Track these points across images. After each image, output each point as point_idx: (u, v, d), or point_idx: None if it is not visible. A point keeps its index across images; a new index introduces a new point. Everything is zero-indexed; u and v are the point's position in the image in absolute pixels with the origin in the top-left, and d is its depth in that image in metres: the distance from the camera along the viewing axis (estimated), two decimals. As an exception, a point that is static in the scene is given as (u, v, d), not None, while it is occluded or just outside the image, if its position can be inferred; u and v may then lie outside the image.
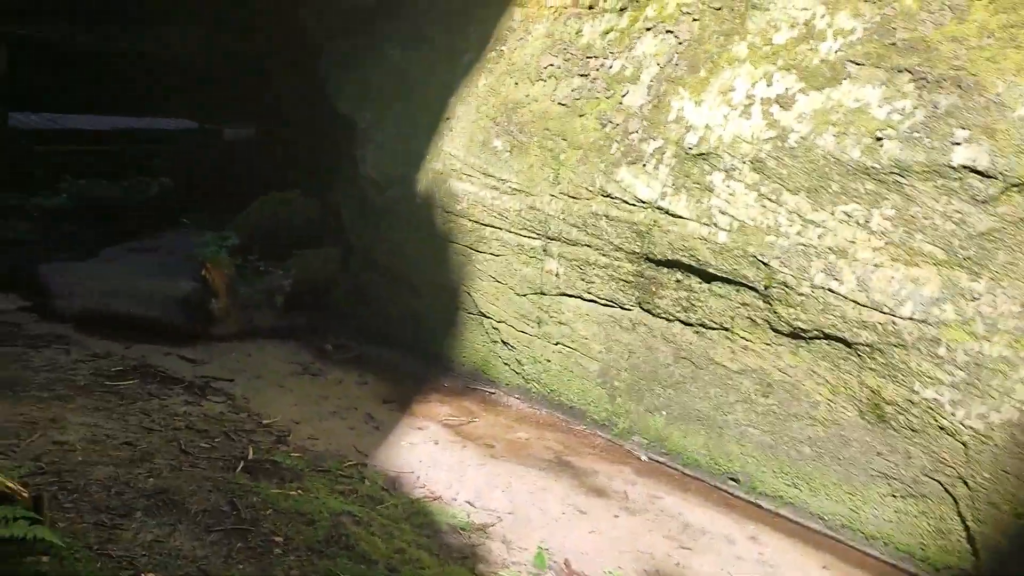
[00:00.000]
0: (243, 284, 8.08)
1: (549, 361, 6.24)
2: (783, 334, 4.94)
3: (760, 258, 4.99)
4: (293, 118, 10.87)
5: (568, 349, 6.12)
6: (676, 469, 5.43)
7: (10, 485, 3.25)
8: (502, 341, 6.56)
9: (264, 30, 10.89)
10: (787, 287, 4.86)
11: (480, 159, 6.72)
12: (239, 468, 4.58)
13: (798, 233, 4.88)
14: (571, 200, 6.04)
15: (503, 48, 7.04)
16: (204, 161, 12.46)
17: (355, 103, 8.05)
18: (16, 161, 10.54)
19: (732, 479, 5.19)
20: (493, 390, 6.60)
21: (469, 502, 4.78)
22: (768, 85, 5.28)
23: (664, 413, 5.56)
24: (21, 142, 10.55)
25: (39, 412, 5.01)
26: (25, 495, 3.31)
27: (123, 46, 12.82)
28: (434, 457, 5.33)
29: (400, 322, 7.41)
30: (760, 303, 5.02)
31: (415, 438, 5.64)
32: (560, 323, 6.16)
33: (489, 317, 6.65)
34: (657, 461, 5.53)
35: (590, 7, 6.59)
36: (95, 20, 13.24)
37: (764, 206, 5.05)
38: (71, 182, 11.19)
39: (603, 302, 5.90)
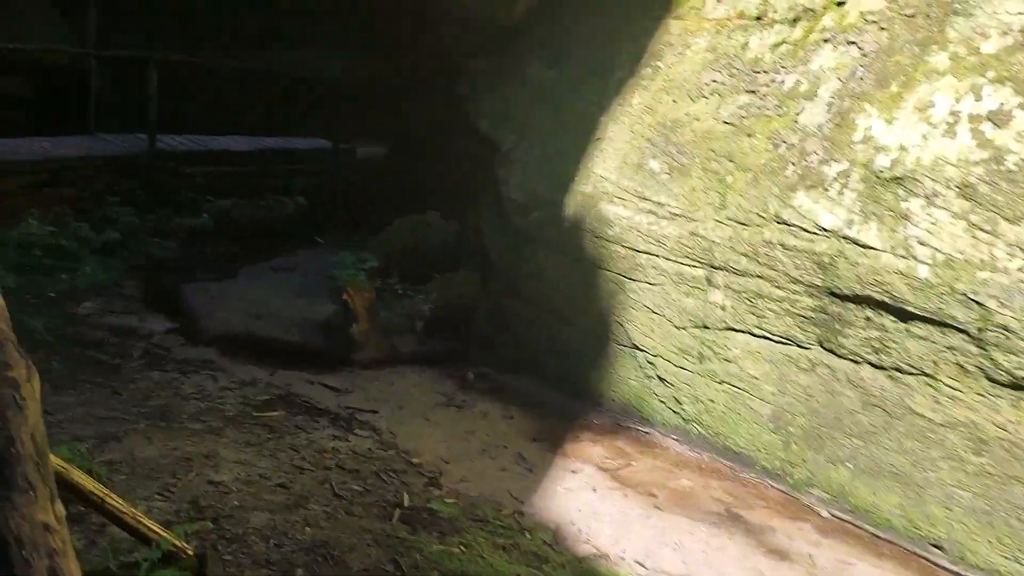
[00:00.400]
0: (383, 308, 7.93)
1: (712, 401, 5.76)
2: (1002, 384, 4.32)
3: (972, 296, 4.39)
4: (427, 137, 10.75)
5: (735, 389, 5.63)
6: (864, 529, 4.86)
7: (176, 543, 3.06)
8: (658, 377, 6.12)
9: (402, 50, 10.84)
10: (1008, 331, 4.25)
11: (635, 181, 6.32)
12: (396, 517, 4.33)
13: (1020, 269, 4.27)
14: (740, 227, 5.56)
15: (659, 64, 6.63)
16: (338, 180, 12.53)
17: (497, 123, 7.79)
18: (163, 182, 10.81)
19: (935, 546, 4.58)
20: (647, 429, 6.17)
21: (639, 562, 4.36)
22: (977, 100, 4.68)
23: (849, 465, 5.00)
24: (168, 164, 10.82)
25: (192, 446, 4.90)
26: (190, 552, 3.11)
27: (264, 68, 13.07)
28: (594, 507, 4.94)
29: (544, 351, 7.07)
30: (972, 348, 4.42)
31: (571, 483, 5.26)
32: (725, 360, 5.67)
33: (643, 350, 6.22)
34: (841, 519, 4.98)
35: (758, 18, 6.10)
36: (239, 44, 13.58)
37: (976, 237, 4.45)
38: (213, 202, 11.40)
39: (777, 339, 5.39)
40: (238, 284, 9.49)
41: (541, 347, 7.12)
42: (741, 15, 6.23)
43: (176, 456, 4.69)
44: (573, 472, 5.44)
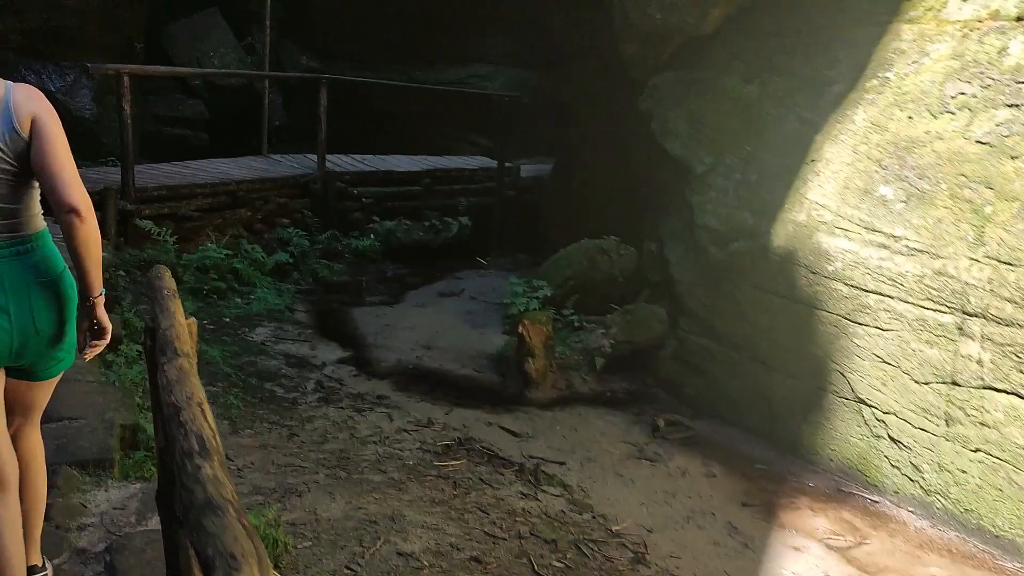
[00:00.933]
0: (558, 342, 7.41)
1: (964, 472, 4.88)
2: None
3: None
4: (598, 156, 10.18)
5: (994, 459, 4.73)
6: None
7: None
8: (890, 437, 5.28)
9: (572, 65, 10.34)
10: None
11: (860, 210, 5.51)
12: (608, 608, 3.74)
13: None
14: (1003, 267, 4.67)
15: (888, 74, 5.79)
16: (502, 200, 12.18)
17: (687, 143, 7.12)
18: (331, 203, 10.76)
19: None
20: (876, 497, 5.33)
21: None
22: None
23: None
24: (336, 185, 10.76)
25: (376, 505, 4.50)
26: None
27: (430, 85, 12.90)
28: (832, 599, 4.19)
29: (743, 399, 6.33)
30: None
31: (796, 565, 4.53)
32: (982, 424, 4.78)
33: (871, 405, 5.39)
34: None
35: (1018, 19, 5.17)
36: (405, 62, 13.49)
37: None
38: (379, 223, 11.26)
39: (1055, 405, 4.47)
40: (406, 309, 9.24)
41: (741, 394, 6.38)
42: (995, 15, 5.31)
43: (360, 517, 4.29)
44: (796, 550, 4.70)
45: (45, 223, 2.46)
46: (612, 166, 9.59)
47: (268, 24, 11.38)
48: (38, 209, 2.43)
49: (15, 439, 2.52)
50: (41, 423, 2.66)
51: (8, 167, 2.30)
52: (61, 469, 3.61)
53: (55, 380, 2.59)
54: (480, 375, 7.37)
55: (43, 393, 2.58)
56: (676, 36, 7.58)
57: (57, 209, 2.29)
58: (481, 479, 5.19)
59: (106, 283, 6.01)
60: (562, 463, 5.64)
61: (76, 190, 2.29)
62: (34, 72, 10.86)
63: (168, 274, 2.92)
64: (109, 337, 2.52)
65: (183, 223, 8.85)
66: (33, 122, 2.30)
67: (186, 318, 2.63)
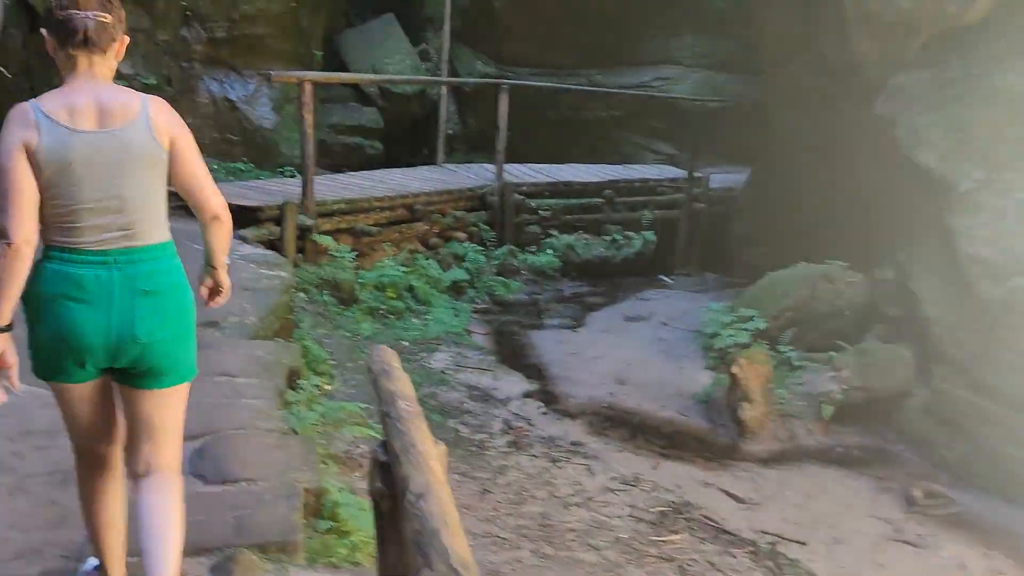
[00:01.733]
0: (776, 383, 6.40)
1: None
2: None
3: None
4: (806, 166, 9.03)
5: None
6: None
7: None
8: None
9: (777, 63, 9.23)
10: None
11: None
12: None
13: None
14: None
15: None
16: (690, 213, 11.19)
17: (947, 154, 5.95)
18: (508, 216, 10.13)
19: None
20: None
21: None
22: None
23: None
24: (514, 197, 10.13)
25: (595, 599, 3.69)
26: None
27: (613, 89, 12.09)
28: None
29: (1026, 470, 5.12)
30: None
31: None
32: None
33: None
34: None
35: None
36: (585, 64, 12.74)
37: None
38: (557, 238, 10.55)
39: None
40: (590, 335, 8.44)
41: (1020, 462, 5.17)
42: None
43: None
44: None
45: (168, 234, 2.47)
46: (825, 178, 8.44)
47: (446, 29, 10.90)
48: (159, 220, 2.44)
49: (145, 476, 2.52)
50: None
51: (141, 177, 2.36)
52: (237, 554, 3.00)
53: (174, 395, 2.57)
54: (685, 420, 6.46)
55: (163, 411, 2.55)
56: (927, 27, 6.41)
57: (201, 214, 2.51)
58: (710, 562, 4.31)
59: (284, 305, 5.53)
60: (803, 543, 4.67)
61: (217, 198, 2.49)
62: (217, 81, 10.84)
63: (397, 364, 2.23)
64: (228, 293, 2.79)
65: (360, 238, 8.42)
66: (174, 138, 2.38)
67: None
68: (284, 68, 10.94)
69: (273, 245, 7.37)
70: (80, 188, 2.28)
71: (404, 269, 8.37)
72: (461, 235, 9.79)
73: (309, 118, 7.46)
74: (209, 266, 2.70)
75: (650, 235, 10.97)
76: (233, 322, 5.65)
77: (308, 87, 7.39)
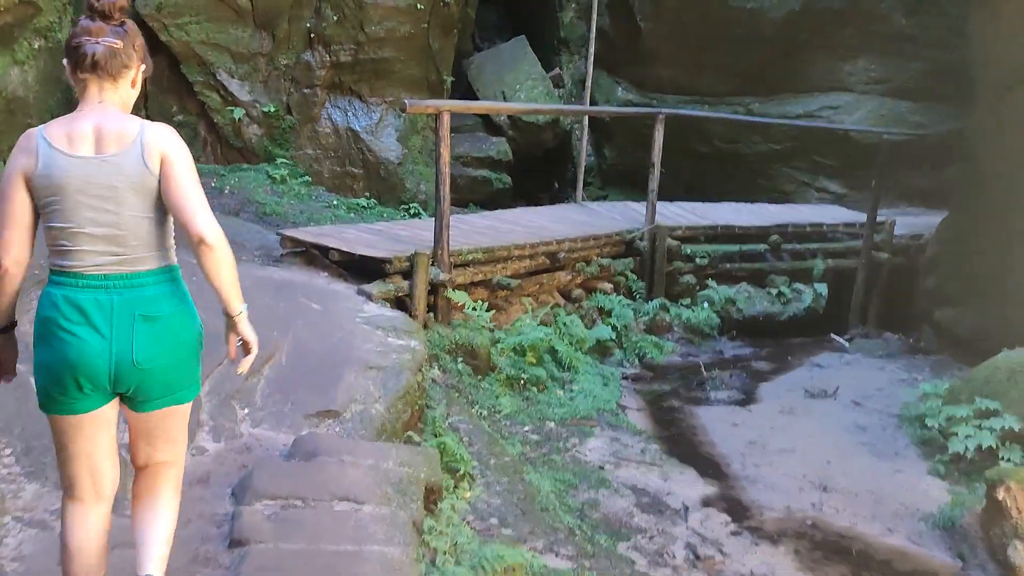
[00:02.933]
0: (1047, 511, 4.82)
1: None
2: None
3: None
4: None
5: None
6: None
7: None
8: None
9: (999, 91, 7.63)
10: None
11: None
12: None
13: None
14: None
15: None
16: (870, 263, 9.58)
17: None
18: (660, 264, 8.81)
19: None
20: None
21: None
22: None
23: None
24: (668, 241, 8.81)
25: None
26: None
27: (775, 120, 10.64)
28: None
29: None
30: None
31: None
32: None
33: None
34: None
35: None
36: (743, 92, 11.34)
37: None
38: (715, 290, 9.15)
39: None
40: (768, 415, 7.00)
41: None
42: None
43: None
44: None
45: (169, 260, 2.49)
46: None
47: (590, 53, 9.72)
48: (160, 246, 2.46)
49: (144, 467, 2.64)
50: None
51: (134, 203, 2.38)
52: None
53: (170, 414, 2.59)
54: (923, 553, 4.96)
55: (156, 427, 2.59)
56: None
57: (188, 238, 2.39)
58: None
59: (415, 387, 4.65)
60: None
61: (203, 220, 2.38)
62: (339, 109, 9.97)
63: None
64: (256, 350, 2.59)
65: (496, 292, 7.26)
66: (163, 159, 2.37)
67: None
68: (412, 95, 9.99)
69: (401, 302, 6.28)
70: (75, 212, 2.34)
71: (545, 330, 7.14)
72: (607, 286, 8.53)
73: (446, 154, 6.35)
74: (225, 315, 2.54)
75: (821, 288, 9.41)
76: (356, 411, 4.55)
77: (446, 118, 6.29)
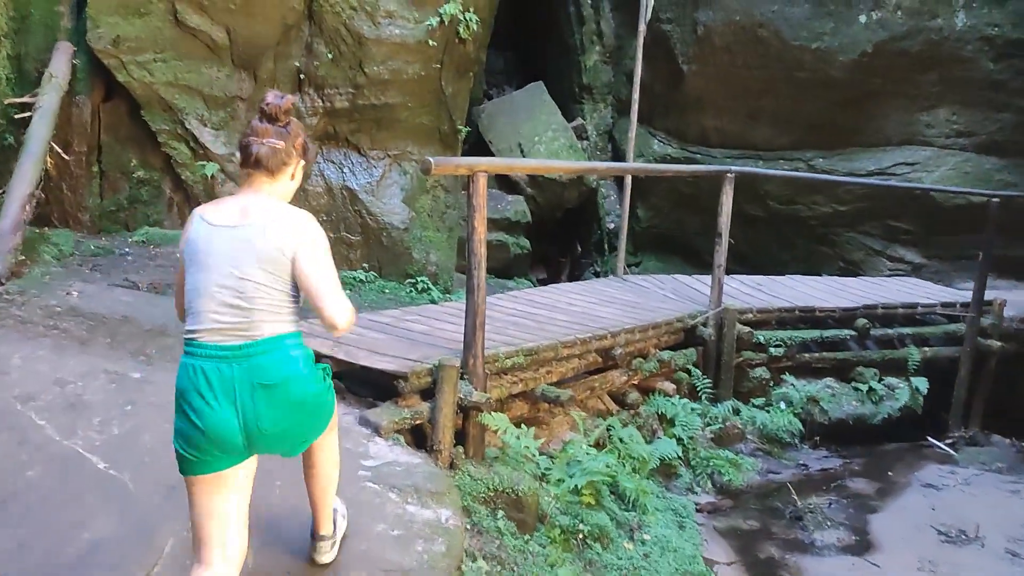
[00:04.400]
0: None
1: None
2: None
3: None
4: None
5: None
6: None
7: None
8: None
9: None
10: None
11: None
12: None
13: None
14: None
15: None
16: (974, 352, 7.92)
17: None
18: (729, 355, 7.12)
19: None
20: None
21: None
22: None
23: None
24: (738, 327, 7.15)
25: None
26: None
27: (841, 178, 9.08)
28: None
29: None
30: None
31: None
32: None
33: None
34: None
35: None
36: (803, 147, 9.79)
37: None
38: (794, 387, 7.45)
39: None
40: (902, 573, 5.27)
41: None
42: None
43: None
44: None
45: (287, 327, 2.62)
46: None
47: (634, 99, 8.11)
48: (279, 314, 2.59)
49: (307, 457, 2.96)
50: None
51: (257, 273, 2.54)
52: None
53: (316, 447, 2.92)
54: None
55: (305, 457, 2.97)
56: None
57: (320, 319, 2.61)
58: None
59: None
60: None
61: (332, 307, 2.57)
62: (333, 164, 8.31)
63: None
64: None
65: (537, 405, 5.55)
66: (298, 242, 2.55)
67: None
68: (421, 148, 8.40)
69: (417, 432, 4.56)
70: (204, 274, 2.55)
71: (603, 459, 5.39)
72: (667, 386, 6.82)
73: (481, 229, 4.67)
74: None
75: (921, 384, 7.72)
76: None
77: (481, 181, 4.63)
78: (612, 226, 11.19)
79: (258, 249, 2.52)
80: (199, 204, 8.40)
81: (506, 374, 5.22)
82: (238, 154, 2.72)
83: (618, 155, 11.39)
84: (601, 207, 11.21)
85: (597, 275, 11.36)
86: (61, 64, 7.57)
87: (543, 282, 11.38)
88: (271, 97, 2.71)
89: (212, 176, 7.94)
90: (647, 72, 10.68)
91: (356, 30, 7.83)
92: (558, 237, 11.79)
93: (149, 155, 8.08)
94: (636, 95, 8.13)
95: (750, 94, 9.54)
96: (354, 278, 7.92)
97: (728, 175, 7.02)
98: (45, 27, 7.80)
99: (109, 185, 8.07)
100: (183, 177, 8.03)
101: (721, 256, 7.14)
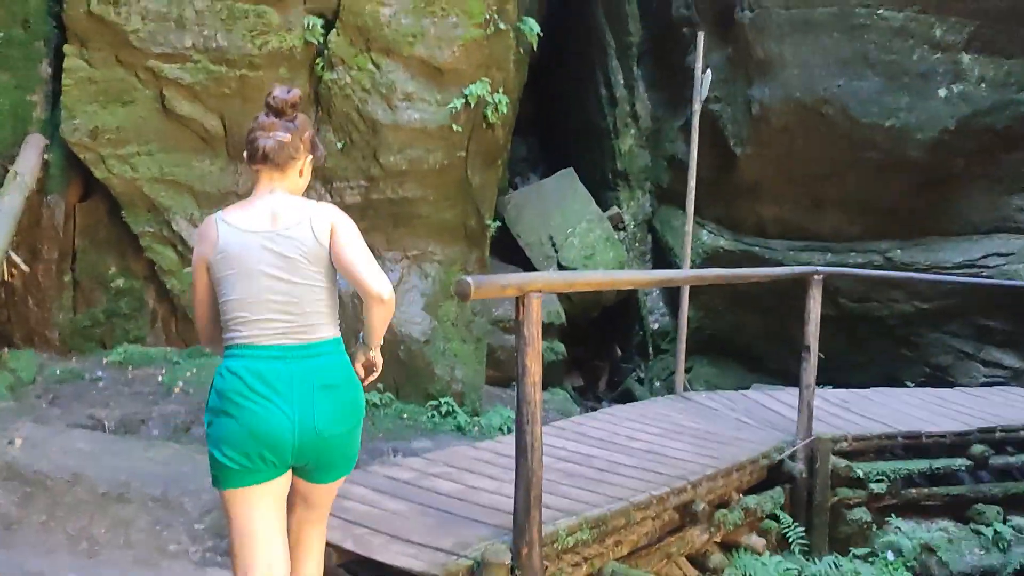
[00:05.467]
0: None
1: None
2: None
3: None
4: None
5: None
6: None
7: None
8: None
9: None
10: None
11: None
12: None
13: None
14: None
15: None
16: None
17: None
18: (822, 495, 5.81)
19: None
20: None
21: None
22: None
23: None
24: (833, 460, 5.86)
25: None
26: None
27: (926, 275, 7.89)
28: None
29: None
30: None
31: None
32: None
33: None
34: None
35: None
36: (876, 237, 8.64)
37: None
38: (900, 531, 6.10)
39: None
40: None
41: None
42: None
43: None
44: None
45: (337, 331, 2.70)
46: None
47: (690, 187, 6.98)
48: (331, 316, 2.67)
49: (296, 533, 2.75)
50: None
51: (307, 272, 2.57)
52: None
53: (336, 485, 2.77)
54: None
55: (324, 496, 2.77)
56: None
57: (364, 298, 2.63)
58: None
59: None
60: None
61: (375, 279, 2.59)
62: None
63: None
64: (379, 370, 2.91)
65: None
66: (332, 229, 2.59)
67: None
68: (445, 246, 7.33)
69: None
70: (252, 283, 2.53)
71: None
72: (756, 541, 5.48)
73: (535, 367, 3.49)
74: (364, 345, 2.83)
75: (1059, 523, 6.34)
76: None
77: (535, 304, 3.47)
78: (656, 326, 9.99)
79: (302, 250, 2.54)
80: (186, 317, 7.34)
81: (566, 554, 3.94)
82: (245, 152, 2.70)
83: (659, 246, 10.27)
84: (643, 306, 10.02)
85: (640, 382, 10.11)
86: (30, 159, 6.57)
87: (580, 391, 10.14)
88: (277, 91, 2.69)
89: (202, 284, 6.82)
90: (708, 161, 9.67)
91: (370, 115, 6.81)
92: (594, 339, 10.58)
93: (130, 261, 7.03)
94: (692, 182, 7.01)
95: (814, 178, 8.43)
96: (367, 402, 6.69)
97: (815, 277, 5.83)
98: (15, 117, 6.84)
99: (83, 297, 6.97)
100: (169, 286, 6.94)
101: (810, 374, 5.89)
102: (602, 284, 3.90)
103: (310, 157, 2.75)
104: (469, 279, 3.24)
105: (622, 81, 10.94)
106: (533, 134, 12.86)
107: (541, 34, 7.59)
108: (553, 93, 12.30)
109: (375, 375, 2.91)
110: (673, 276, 5.26)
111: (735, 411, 6.67)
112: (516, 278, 3.46)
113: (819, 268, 5.95)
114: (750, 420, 6.43)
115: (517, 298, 3.47)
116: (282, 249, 2.53)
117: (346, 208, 7.01)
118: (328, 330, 2.63)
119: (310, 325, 2.57)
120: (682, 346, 7.34)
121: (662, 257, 10.16)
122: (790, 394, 7.07)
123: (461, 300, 3.55)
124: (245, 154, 2.69)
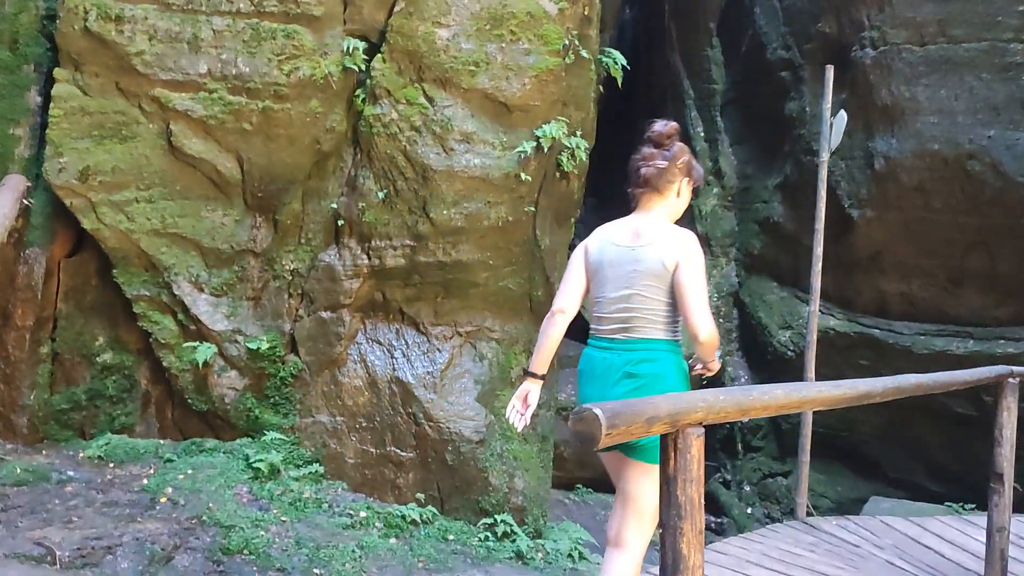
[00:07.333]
0: None
1: None
2: None
3: None
4: None
5: None
6: None
7: None
8: None
9: None
10: None
11: None
12: None
13: None
14: None
15: None
16: None
17: None
18: None
19: None
20: None
21: None
22: None
23: None
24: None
25: None
26: None
27: None
28: None
29: None
30: None
31: None
32: None
33: None
34: None
35: None
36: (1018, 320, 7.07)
37: None
38: None
39: None
40: None
41: None
42: None
43: None
44: None
45: (662, 334, 2.95)
46: None
47: (816, 253, 5.54)
48: (658, 322, 2.95)
49: (609, 542, 3.05)
50: None
51: (643, 285, 2.94)
52: None
53: (641, 469, 2.93)
54: None
55: (632, 477, 2.97)
56: None
57: (687, 328, 2.92)
58: None
59: None
60: None
61: (701, 322, 2.85)
62: (380, 345, 5.85)
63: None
64: (717, 367, 3.14)
65: None
66: (678, 260, 2.90)
67: None
68: (504, 322, 5.95)
69: None
70: (604, 285, 3.03)
71: None
72: None
73: (698, 558, 2.03)
74: (703, 364, 3.12)
75: None
76: None
77: (696, 445, 2.05)
78: (746, 419, 8.44)
79: (646, 266, 2.92)
80: (184, 402, 5.88)
81: None
82: (629, 178, 3.10)
83: (747, 323, 8.80)
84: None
85: (727, 485, 8.55)
86: (3, 204, 5.35)
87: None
88: (657, 126, 3.11)
89: (206, 363, 5.50)
90: (791, 220, 8.26)
91: (419, 159, 5.52)
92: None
93: (121, 332, 5.76)
94: (819, 248, 5.55)
95: (953, 248, 6.95)
96: (403, 517, 5.26)
97: (1010, 380, 4.33)
98: (-6, 155, 5.67)
99: (62, 374, 5.69)
100: (165, 363, 5.64)
101: (1003, 513, 4.33)
102: (787, 406, 2.58)
103: (686, 180, 3.10)
104: (597, 409, 1.83)
105: (703, 134, 9.66)
106: (593, 192, 11.55)
107: (628, 66, 6.31)
108: (614, 146, 10.99)
109: (712, 371, 3.13)
110: (870, 389, 3.80)
111: (882, 549, 5.08)
112: (667, 406, 2.04)
113: (1013, 368, 4.43)
114: (908, 566, 4.84)
115: (674, 432, 2.05)
116: (632, 264, 2.95)
117: (386, 273, 5.71)
118: (654, 332, 2.94)
119: (635, 326, 2.94)
120: (805, 457, 5.80)
121: (751, 337, 8.69)
122: (953, 524, 5.51)
123: (582, 444, 2.12)
124: (629, 180, 3.08)
